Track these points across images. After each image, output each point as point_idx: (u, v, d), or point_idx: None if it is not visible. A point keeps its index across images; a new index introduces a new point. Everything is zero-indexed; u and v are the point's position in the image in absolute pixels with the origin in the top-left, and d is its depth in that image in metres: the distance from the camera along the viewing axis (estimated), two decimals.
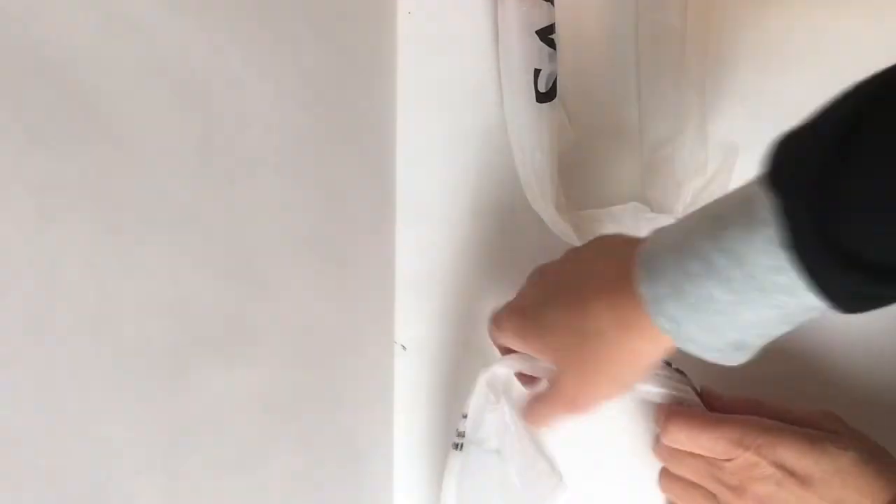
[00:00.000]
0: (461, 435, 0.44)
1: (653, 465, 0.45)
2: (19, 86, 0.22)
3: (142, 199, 0.27)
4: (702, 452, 0.39)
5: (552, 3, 0.49)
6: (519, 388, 0.44)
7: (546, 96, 0.48)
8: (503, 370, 0.43)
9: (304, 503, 0.39)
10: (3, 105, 0.21)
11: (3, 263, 0.21)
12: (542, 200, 0.48)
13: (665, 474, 0.43)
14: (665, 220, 0.45)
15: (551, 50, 0.48)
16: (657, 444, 0.43)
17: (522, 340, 0.40)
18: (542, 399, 0.40)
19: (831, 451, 0.37)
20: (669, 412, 0.41)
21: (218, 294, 0.31)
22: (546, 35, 0.49)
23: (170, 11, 0.29)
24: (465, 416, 0.44)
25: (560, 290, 0.38)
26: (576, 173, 0.50)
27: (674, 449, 0.41)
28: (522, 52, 0.49)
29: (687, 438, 0.39)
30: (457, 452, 0.44)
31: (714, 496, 0.40)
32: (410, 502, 0.49)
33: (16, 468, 0.21)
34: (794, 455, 0.37)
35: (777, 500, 0.37)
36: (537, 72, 0.48)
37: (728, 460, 0.38)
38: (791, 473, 0.37)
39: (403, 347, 0.52)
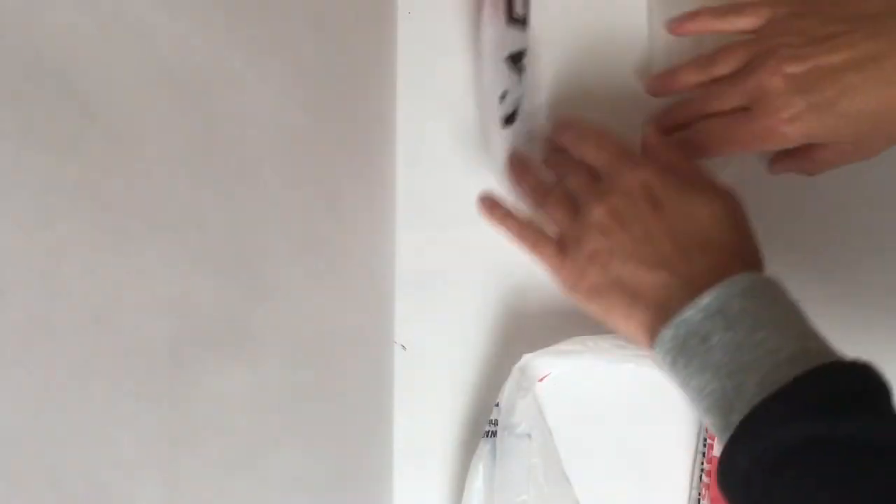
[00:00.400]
0: (493, 423, 0.45)
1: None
2: (19, 86, 0.22)
3: (142, 199, 0.27)
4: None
5: (524, 28, 0.50)
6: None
7: (508, 120, 0.49)
8: (535, 359, 0.46)
9: (304, 503, 0.39)
10: (3, 105, 0.21)
11: (3, 263, 0.21)
12: None
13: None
14: None
15: (519, 76, 0.49)
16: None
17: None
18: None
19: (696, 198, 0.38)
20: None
21: (218, 294, 0.31)
22: (516, 61, 0.50)
23: (170, 11, 0.29)
24: (497, 405, 0.45)
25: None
26: None
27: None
28: (492, 76, 0.50)
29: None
30: (487, 439, 0.45)
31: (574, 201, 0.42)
32: (410, 502, 0.49)
33: (16, 468, 0.21)
34: (661, 184, 0.38)
35: (627, 214, 0.38)
36: (503, 96, 0.49)
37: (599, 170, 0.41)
38: (650, 196, 0.38)
39: (403, 347, 0.52)
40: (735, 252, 0.37)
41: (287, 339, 0.37)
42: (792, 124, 0.38)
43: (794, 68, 0.38)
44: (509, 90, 0.49)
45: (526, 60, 0.50)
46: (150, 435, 0.26)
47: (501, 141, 0.49)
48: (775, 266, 0.44)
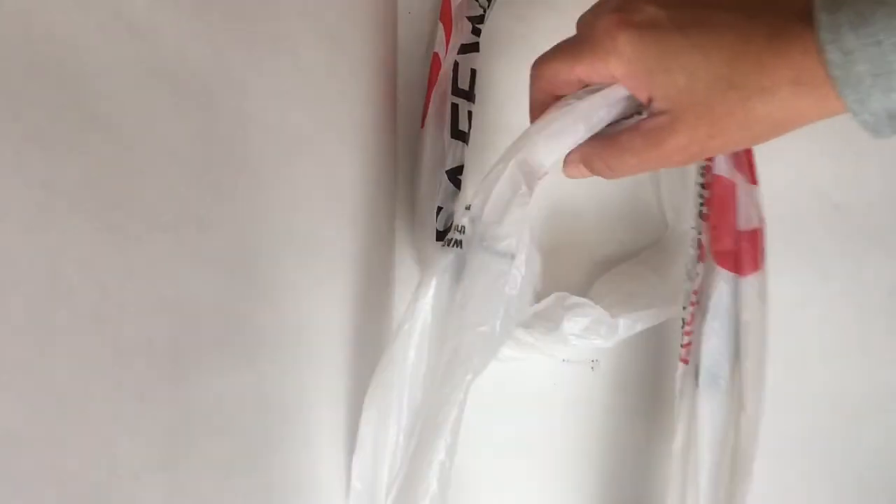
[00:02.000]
0: (460, 230, 0.36)
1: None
2: (19, 86, 0.21)
3: (142, 199, 0.27)
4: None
5: (465, 143, 0.50)
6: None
7: (440, 236, 0.48)
8: (545, 153, 0.35)
9: (304, 503, 0.39)
10: (3, 105, 0.21)
11: (3, 263, 0.21)
12: None
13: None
14: (588, 309, 0.44)
15: (455, 189, 0.49)
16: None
17: (631, 65, 0.32)
18: (631, 136, 0.33)
19: None
20: None
21: (218, 294, 0.31)
22: (455, 175, 0.49)
23: (170, 11, 0.29)
24: (467, 208, 0.36)
25: (705, 15, 0.30)
26: None
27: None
28: (428, 189, 0.49)
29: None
30: (451, 250, 0.36)
31: None
32: None
33: (16, 468, 0.21)
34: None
35: None
36: (439, 209, 0.48)
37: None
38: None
39: None
40: None
41: (287, 339, 0.37)
42: (633, 30, 0.31)
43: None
44: (444, 205, 0.48)
45: (462, 176, 0.49)
46: (150, 435, 0.26)
47: (432, 254, 0.42)
48: (775, 266, 0.44)
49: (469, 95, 0.52)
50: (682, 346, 0.42)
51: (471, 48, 0.53)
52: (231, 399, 0.32)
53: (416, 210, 0.50)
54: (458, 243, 0.36)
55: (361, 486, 0.40)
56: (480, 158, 0.53)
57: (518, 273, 0.35)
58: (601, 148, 0.35)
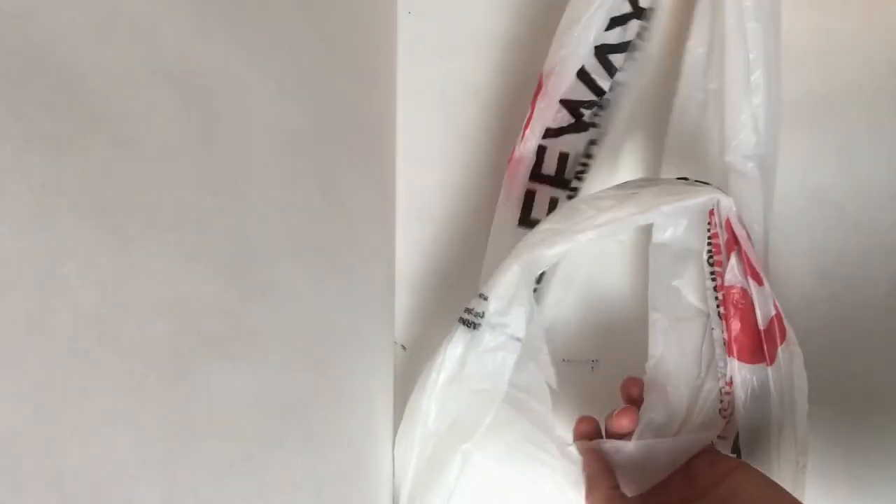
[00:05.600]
0: (478, 315, 0.43)
1: None
2: (19, 86, 0.21)
3: (142, 199, 0.27)
4: None
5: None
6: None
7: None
8: (540, 250, 0.41)
9: (303, 503, 0.39)
10: (3, 105, 0.21)
11: (3, 263, 0.21)
12: None
13: None
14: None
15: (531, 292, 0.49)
16: None
17: None
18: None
19: None
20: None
21: (218, 294, 0.31)
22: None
23: (170, 11, 0.29)
24: (483, 297, 0.43)
25: None
26: None
27: None
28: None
29: None
30: (466, 329, 0.43)
31: None
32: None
33: (16, 468, 0.21)
34: None
35: None
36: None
37: None
38: None
39: (403, 347, 0.52)
40: None
41: (287, 339, 0.37)
42: None
43: None
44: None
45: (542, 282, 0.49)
46: (150, 435, 0.26)
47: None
48: (777, 265, 0.44)
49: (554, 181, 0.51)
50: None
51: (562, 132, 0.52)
52: (231, 399, 0.32)
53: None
54: (474, 325, 0.43)
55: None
56: None
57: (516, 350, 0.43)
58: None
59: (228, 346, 0.32)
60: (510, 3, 0.57)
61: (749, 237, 0.43)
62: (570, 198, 0.50)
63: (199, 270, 0.30)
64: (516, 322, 0.43)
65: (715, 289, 0.45)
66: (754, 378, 0.43)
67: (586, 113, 0.51)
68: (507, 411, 0.45)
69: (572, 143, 0.50)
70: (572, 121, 0.51)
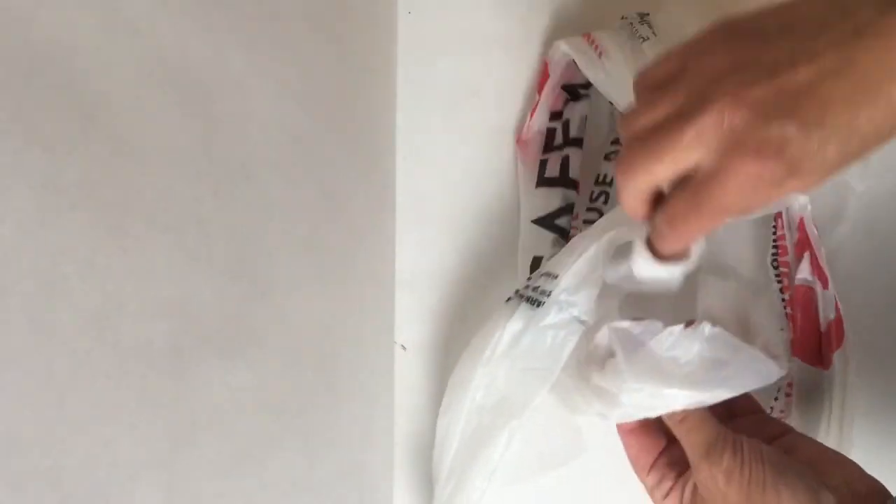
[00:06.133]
0: (544, 293, 0.41)
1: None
2: (19, 86, 0.22)
3: (142, 199, 0.27)
4: None
5: (556, 187, 0.50)
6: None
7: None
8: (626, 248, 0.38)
9: (304, 503, 0.39)
10: (3, 105, 0.21)
11: (3, 263, 0.21)
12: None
13: None
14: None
15: (555, 236, 0.49)
16: None
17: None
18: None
19: None
20: None
21: (218, 294, 0.31)
22: (551, 221, 0.49)
23: (170, 11, 0.29)
24: (552, 276, 0.41)
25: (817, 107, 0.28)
26: None
27: None
28: (523, 239, 0.50)
29: None
30: (529, 305, 0.41)
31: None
32: (410, 502, 0.49)
33: (16, 468, 0.21)
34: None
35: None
36: (537, 260, 0.49)
37: None
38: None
39: (403, 347, 0.52)
40: None
41: (287, 339, 0.37)
42: (777, 159, 0.28)
43: (757, 92, 0.29)
44: (544, 253, 0.49)
45: (562, 220, 0.49)
46: (150, 435, 0.26)
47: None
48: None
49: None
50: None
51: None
52: (231, 399, 0.32)
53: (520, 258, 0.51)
54: (538, 303, 0.41)
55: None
56: None
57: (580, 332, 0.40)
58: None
59: (228, 346, 0.32)
60: (510, 3, 0.57)
61: (819, 238, 0.43)
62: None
63: (199, 270, 0.30)
64: (584, 303, 0.40)
65: (781, 290, 0.45)
66: (811, 380, 0.43)
67: (583, 92, 0.53)
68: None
69: (573, 111, 0.52)
70: (570, 98, 0.53)
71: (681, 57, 0.32)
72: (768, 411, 0.44)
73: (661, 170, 0.31)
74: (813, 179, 0.29)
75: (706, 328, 0.35)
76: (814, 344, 0.43)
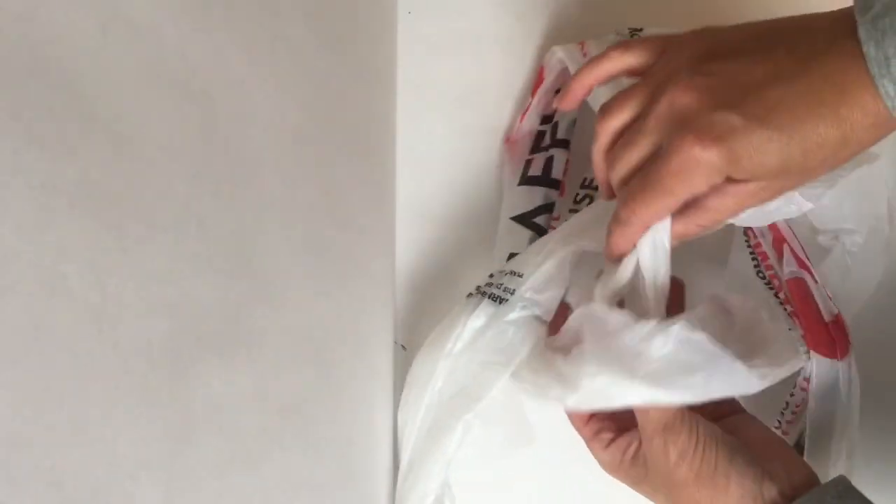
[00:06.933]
0: (508, 290, 0.42)
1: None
2: (19, 86, 0.22)
3: (142, 199, 0.27)
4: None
5: (550, 186, 0.50)
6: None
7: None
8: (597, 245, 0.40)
9: (303, 503, 0.39)
10: (3, 105, 0.21)
11: (3, 263, 0.21)
12: None
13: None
14: None
15: (532, 234, 0.49)
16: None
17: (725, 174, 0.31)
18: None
19: None
20: None
21: (218, 294, 0.31)
22: (529, 219, 0.50)
23: (170, 12, 0.29)
24: (517, 275, 0.42)
25: (771, 99, 0.31)
26: None
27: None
28: (501, 235, 0.51)
29: None
30: (491, 302, 0.42)
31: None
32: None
33: (16, 468, 0.21)
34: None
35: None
36: (509, 258, 0.49)
37: None
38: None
39: (403, 347, 0.52)
40: None
41: (287, 339, 0.37)
42: (718, 145, 0.30)
43: (708, 81, 0.32)
44: (520, 250, 0.49)
45: (540, 219, 0.50)
46: (150, 435, 0.26)
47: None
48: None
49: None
50: (781, 423, 0.45)
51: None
52: (231, 399, 0.32)
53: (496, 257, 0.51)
54: (500, 300, 0.42)
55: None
56: None
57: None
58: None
59: (228, 346, 0.32)
60: (510, 3, 0.57)
61: (794, 235, 0.43)
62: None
63: (199, 270, 0.30)
64: (548, 304, 0.42)
65: (776, 294, 0.45)
66: (827, 372, 0.42)
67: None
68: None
69: (564, 114, 0.53)
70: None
71: (656, 50, 0.36)
72: (784, 406, 0.44)
73: (635, 156, 0.34)
74: (752, 177, 0.31)
75: (679, 330, 0.33)
76: (823, 334, 0.43)
